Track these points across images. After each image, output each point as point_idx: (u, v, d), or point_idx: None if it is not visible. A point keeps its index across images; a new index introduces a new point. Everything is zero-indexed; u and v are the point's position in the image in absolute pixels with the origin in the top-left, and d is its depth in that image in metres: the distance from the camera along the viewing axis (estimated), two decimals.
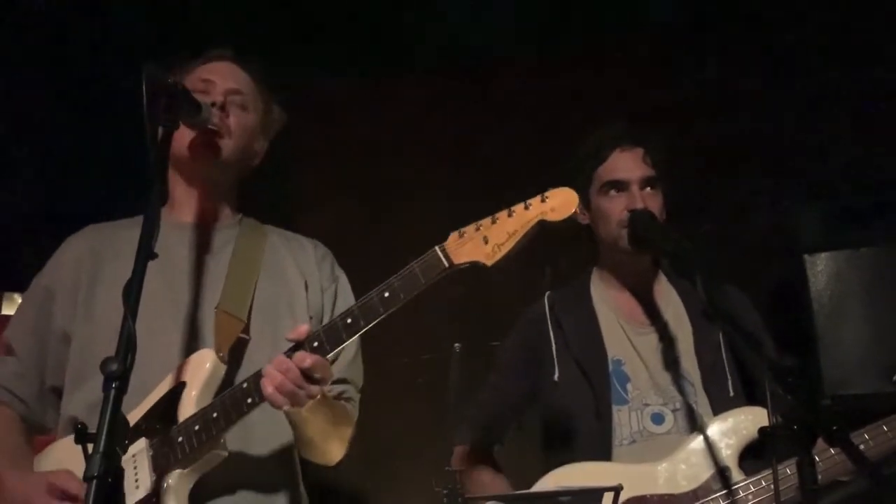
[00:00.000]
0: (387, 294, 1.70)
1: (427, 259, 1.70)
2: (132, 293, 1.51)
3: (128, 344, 1.44)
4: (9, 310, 3.73)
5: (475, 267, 1.68)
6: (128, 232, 2.01)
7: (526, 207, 1.68)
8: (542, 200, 1.68)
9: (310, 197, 3.66)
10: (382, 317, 1.71)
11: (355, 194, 3.65)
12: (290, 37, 3.59)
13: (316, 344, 1.72)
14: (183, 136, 1.94)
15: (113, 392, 1.40)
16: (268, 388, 1.70)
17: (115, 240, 2.03)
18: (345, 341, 1.73)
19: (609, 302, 2.37)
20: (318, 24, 3.65)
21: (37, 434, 2.03)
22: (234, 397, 1.75)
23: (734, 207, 3.35)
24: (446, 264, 1.69)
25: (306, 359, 1.70)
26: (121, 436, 1.37)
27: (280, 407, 1.72)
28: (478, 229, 1.69)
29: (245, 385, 1.75)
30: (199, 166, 2.01)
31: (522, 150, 3.55)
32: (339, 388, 2.02)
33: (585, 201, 2.36)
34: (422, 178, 3.66)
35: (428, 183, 3.63)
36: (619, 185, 2.28)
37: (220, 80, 2.05)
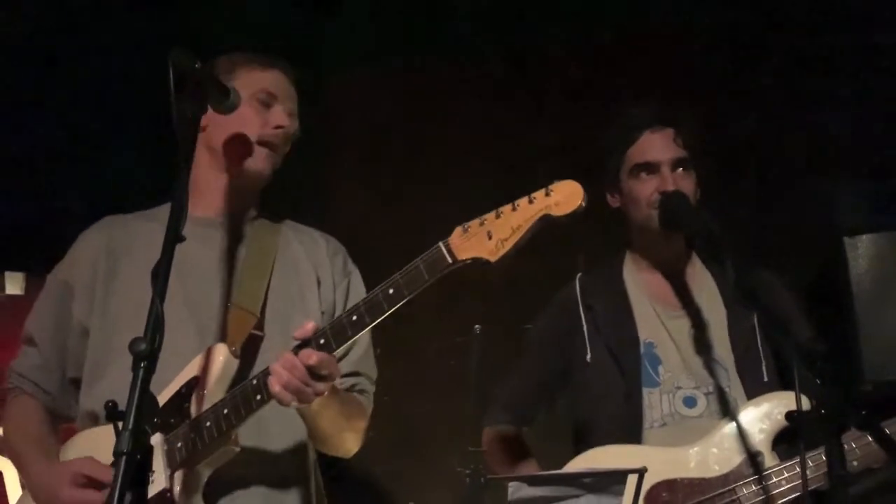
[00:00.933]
0: (391, 291, 1.69)
1: (431, 255, 1.69)
2: (161, 275, 1.53)
3: (156, 324, 1.47)
4: (12, 290, 3.83)
5: (479, 262, 1.66)
6: (143, 225, 2.05)
7: (530, 201, 1.64)
8: (547, 194, 1.63)
9: (325, 186, 3.67)
10: (388, 313, 1.71)
11: (371, 183, 3.65)
12: (309, 20, 3.59)
13: (322, 341, 1.73)
14: (240, 145, 1.97)
15: (141, 371, 1.43)
16: (275, 386, 1.72)
17: (130, 234, 2.06)
18: (350, 338, 1.73)
19: (641, 285, 2.35)
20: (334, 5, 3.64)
21: (61, 423, 2.07)
22: (244, 394, 1.77)
23: (772, 189, 3.28)
24: (450, 260, 1.67)
25: (312, 356, 1.70)
26: (149, 414, 1.40)
27: (287, 404, 1.74)
28: (482, 224, 1.66)
29: (254, 382, 1.77)
30: (248, 177, 2.03)
31: (546, 137, 3.51)
32: (351, 380, 2.03)
33: (616, 184, 2.34)
34: (439, 167, 3.65)
35: (446, 171, 3.62)
36: (650, 167, 2.26)
37: (283, 98, 2.05)
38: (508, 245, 1.63)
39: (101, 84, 3.44)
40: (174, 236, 1.59)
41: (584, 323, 2.31)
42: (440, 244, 1.69)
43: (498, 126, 3.63)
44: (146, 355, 1.44)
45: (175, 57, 1.69)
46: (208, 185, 2.06)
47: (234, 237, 2.06)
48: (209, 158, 2.05)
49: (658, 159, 2.25)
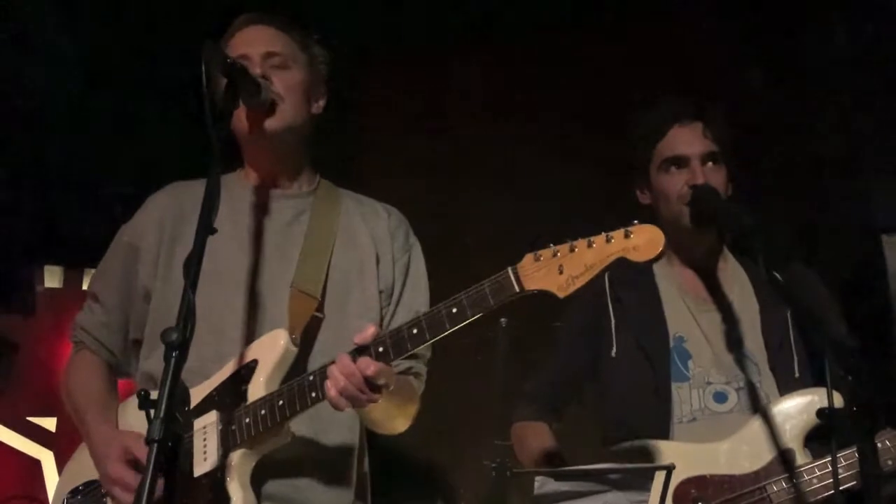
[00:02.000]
0: (455, 310, 1.68)
1: (498, 280, 1.67)
2: (192, 266, 1.56)
3: (187, 314, 1.49)
4: (51, 283, 3.89)
5: (546, 295, 1.64)
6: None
7: (608, 241, 1.60)
8: (626, 236, 1.60)
9: (378, 173, 3.68)
10: (447, 332, 1.70)
11: (424, 171, 3.65)
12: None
13: (381, 349, 1.74)
14: (240, 114, 1.94)
15: (173, 361, 1.45)
16: (331, 391, 1.73)
17: (196, 200, 2.03)
18: (409, 351, 1.74)
19: (672, 279, 2.33)
20: None
21: (121, 378, 2.11)
22: (301, 388, 1.79)
23: (809, 186, 3.23)
24: (517, 289, 1.65)
25: (370, 366, 1.71)
26: (181, 402, 1.43)
27: (342, 409, 1.76)
28: (554, 255, 1.63)
29: (311, 378, 1.79)
30: (261, 138, 2.01)
31: (599, 124, 3.48)
32: (407, 363, 2.03)
33: (645, 180, 2.33)
34: (493, 155, 3.64)
35: (500, 160, 3.61)
36: (679, 161, 2.24)
37: (253, 49, 2.01)
38: (579, 283, 1.61)
39: (143, 75, 3.47)
40: (206, 228, 1.62)
41: (612, 316, 2.30)
42: (509, 270, 1.67)
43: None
44: (178, 345, 1.46)
45: (207, 52, 1.71)
46: (254, 160, 2.08)
47: (295, 209, 2.06)
48: (242, 141, 2.06)
49: (687, 153, 2.23)
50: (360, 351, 1.74)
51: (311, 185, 2.13)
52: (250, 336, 1.91)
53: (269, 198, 2.06)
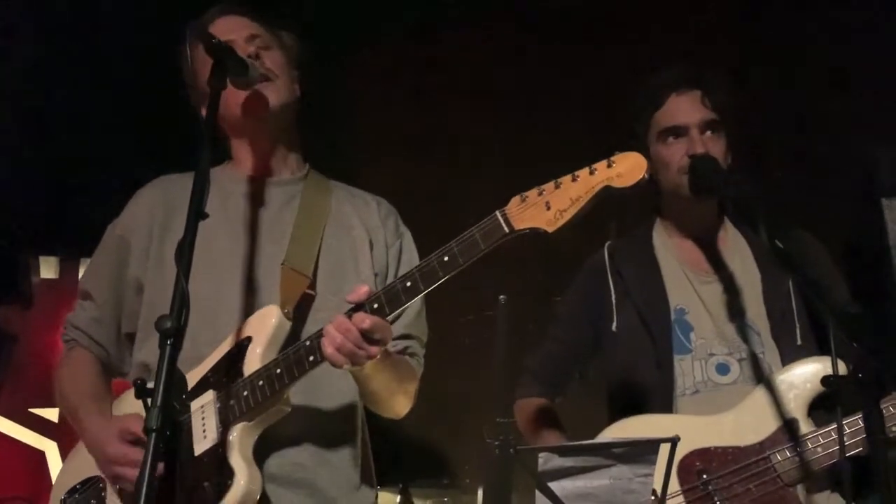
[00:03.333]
0: (446, 258, 1.68)
1: (487, 224, 1.67)
2: (184, 252, 1.55)
3: (181, 302, 1.48)
4: (47, 274, 3.88)
5: (536, 233, 1.65)
6: None
7: (591, 172, 1.62)
8: (609, 165, 1.62)
9: (370, 151, 3.66)
10: (442, 281, 1.70)
11: (416, 148, 3.63)
12: None
13: (376, 306, 1.73)
14: (233, 97, 1.94)
15: (168, 349, 1.45)
16: (328, 348, 1.72)
17: (186, 191, 2.00)
18: (404, 303, 1.74)
19: (672, 250, 2.31)
20: None
21: (114, 377, 2.10)
22: (298, 354, 1.78)
23: (808, 151, 3.21)
24: (506, 230, 1.66)
25: (365, 320, 1.70)
26: (177, 390, 1.42)
27: (340, 366, 1.74)
28: (540, 194, 1.64)
29: (308, 343, 1.78)
30: (257, 120, 2.01)
31: (591, 105, 3.46)
32: (403, 343, 2.03)
33: (645, 150, 2.30)
34: (484, 132, 3.62)
35: (490, 136, 3.58)
36: (678, 131, 2.21)
37: (235, 34, 2.01)
38: (567, 216, 1.62)
39: (136, 68, 3.45)
40: (196, 214, 1.59)
41: (612, 289, 2.28)
42: (497, 213, 1.67)
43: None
44: (173, 333, 1.46)
45: (191, 34, 1.68)
46: (243, 149, 2.09)
47: (285, 195, 2.07)
48: (233, 130, 2.07)
49: (686, 122, 2.20)
50: (354, 310, 1.74)
51: (300, 171, 2.13)
52: (243, 317, 1.90)
53: (260, 186, 2.05)
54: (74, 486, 1.97)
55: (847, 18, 3.23)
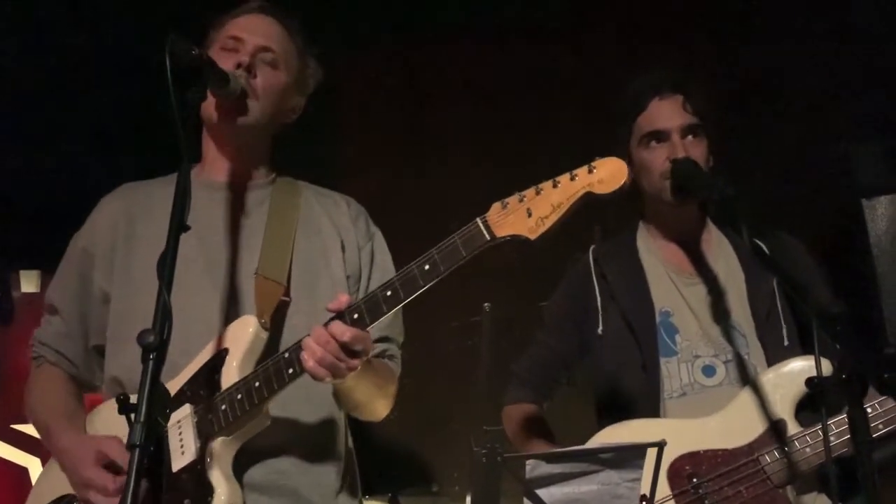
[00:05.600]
0: (427, 266, 1.66)
1: (468, 231, 1.65)
2: (166, 266, 1.53)
3: (164, 316, 1.46)
4: (28, 288, 3.83)
5: (518, 240, 1.64)
6: (161, 190, 2.00)
7: (572, 178, 1.61)
8: (590, 171, 1.61)
9: (349, 155, 3.65)
10: (423, 290, 1.68)
11: (396, 153, 3.62)
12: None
13: (356, 316, 1.71)
14: (210, 100, 1.89)
15: (151, 363, 1.43)
16: (308, 361, 1.69)
17: (149, 199, 2.03)
18: (385, 313, 1.71)
19: (656, 253, 2.32)
20: None
21: (86, 392, 2.07)
22: (277, 367, 1.75)
23: (787, 150, 3.23)
24: (488, 237, 1.64)
25: (346, 332, 1.68)
26: (160, 405, 1.40)
27: (322, 379, 1.72)
28: (521, 200, 1.63)
29: (287, 355, 1.75)
30: (228, 129, 1.98)
31: (574, 111, 3.47)
32: (381, 346, 2.01)
33: (627, 154, 2.31)
34: (465, 136, 3.62)
35: (471, 140, 3.58)
36: (660, 136, 2.22)
37: (249, 36, 1.98)
38: (549, 223, 1.61)
39: (121, 81, 3.42)
40: (178, 227, 1.58)
41: (597, 293, 2.29)
42: (478, 220, 1.66)
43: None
44: (155, 347, 1.44)
45: (172, 44, 1.67)
46: (213, 152, 2.05)
47: (253, 200, 2.04)
48: (206, 128, 2.03)
49: (667, 127, 2.21)
50: (334, 319, 1.71)
51: (268, 177, 2.10)
52: (218, 327, 1.87)
53: (226, 191, 2.03)
54: None
55: (824, 20, 3.26)
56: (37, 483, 2.05)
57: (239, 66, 1.93)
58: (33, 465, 3.75)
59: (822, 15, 3.26)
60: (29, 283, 3.83)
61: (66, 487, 1.88)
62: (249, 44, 1.97)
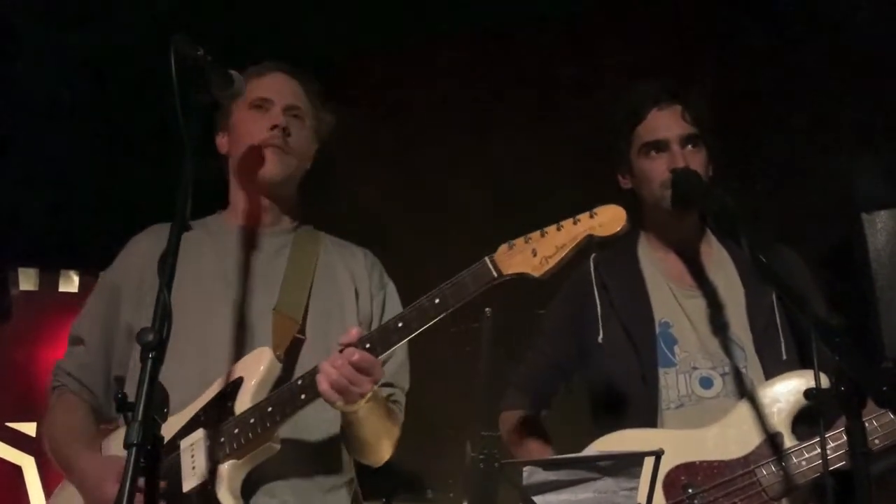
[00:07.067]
0: (437, 300, 1.76)
1: (477, 269, 1.76)
2: (167, 265, 1.55)
3: (163, 315, 1.48)
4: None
5: (523, 278, 1.75)
6: (191, 234, 2.05)
7: (574, 223, 1.74)
8: (591, 216, 1.74)
9: (353, 179, 3.64)
10: (432, 322, 1.77)
11: (400, 177, 3.63)
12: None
13: (368, 346, 1.79)
14: (251, 154, 2.06)
15: (149, 362, 1.44)
16: (323, 384, 1.77)
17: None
18: (395, 344, 1.79)
19: (656, 263, 2.32)
20: None
21: (102, 423, 2.12)
22: (291, 392, 1.82)
23: (787, 163, 3.23)
24: (495, 274, 1.75)
25: (355, 353, 1.76)
26: (158, 405, 1.41)
27: (334, 403, 1.79)
28: (527, 241, 1.74)
29: (300, 381, 1.82)
30: (264, 183, 2.11)
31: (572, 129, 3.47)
32: (387, 390, 2.07)
33: (626, 165, 2.31)
34: (468, 161, 3.62)
35: (471, 164, 3.59)
36: (659, 145, 2.23)
37: (278, 97, 2.13)
38: (553, 262, 1.73)
39: (114, 83, 3.43)
40: (180, 223, 1.60)
41: (598, 302, 2.29)
42: (486, 259, 1.77)
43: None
44: (154, 346, 1.45)
45: (177, 45, 1.68)
46: (243, 199, 2.17)
47: (276, 245, 2.14)
48: (238, 178, 2.17)
49: (666, 137, 2.22)
50: (347, 348, 1.79)
51: (292, 224, 2.22)
52: (235, 357, 1.94)
53: (252, 235, 2.13)
54: None
55: (826, 29, 3.27)
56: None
57: (275, 127, 2.07)
58: (27, 465, 3.74)
59: (823, 28, 3.27)
60: (27, 281, 3.83)
61: None
62: (279, 104, 2.12)
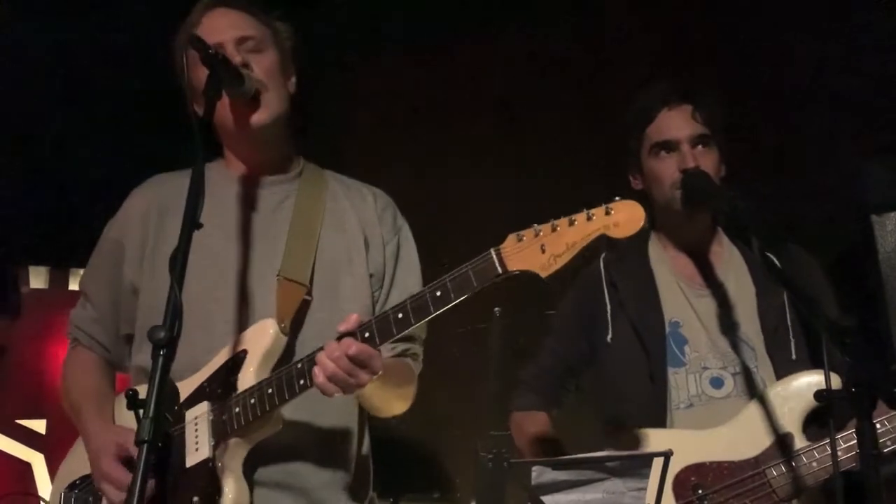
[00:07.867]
0: (439, 293, 1.67)
1: (481, 262, 1.66)
2: (178, 263, 1.54)
3: (174, 312, 1.47)
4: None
5: (529, 276, 1.63)
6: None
7: (588, 218, 1.59)
8: (607, 213, 1.58)
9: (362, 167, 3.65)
10: (433, 315, 1.70)
11: (411, 156, 3.62)
12: None
13: (367, 335, 1.73)
14: (225, 105, 1.91)
15: (161, 359, 1.44)
16: (319, 377, 1.72)
17: (179, 191, 1.95)
18: (395, 335, 1.72)
19: (667, 263, 2.32)
20: None
21: (118, 371, 2.12)
22: (289, 376, 1.78)
23: (797, 166, 3.22)
24: (500, 270, 1.64)
25: (352, 345, 1.70)
26: (169, 401, 1.41)
27: (331, 395, 1.74)
28: (536, 235, 1.62)
29: (299, 366, 1.78)
30: (250, 131, 1.97)
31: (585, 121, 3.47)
32: (403, 345, 2.02)
33: (637, 165, 2.31)
34: (476, 148, 3.62)
35: (480, 151, 3.58)
36: (669, 146, 2.22)
37: (225, 36, 1.94)
38: (561, 261, 1.60)
39: (123, 73, 3.43)
40: (191, 223, 1.59)
41: (607, 301, 2.28)
42: (492, 251, 1.65)
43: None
44: (165, 343, 1.44)
45: (190, 41, 1.68)
46: (234, 148, 2.06)
47: (279, 196, 2.04)
48: (223, 132, 2.03)
49: (677, 137, 2.21)
50: (345, 337, 1.73)
51: (295, 169, 2.10)
52: (240, 327, 1.90)
53: (253, 186, 2.04)
54: (74, 482, 1.99)
55: (835, 31, 3.25)
56: (68, 457, 2.09)
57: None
58: (37, 461, 3.76)
59: (835, 32, 3.25)
60: (38, 279, 3.84)
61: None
62: (229, 41, 1.94)
